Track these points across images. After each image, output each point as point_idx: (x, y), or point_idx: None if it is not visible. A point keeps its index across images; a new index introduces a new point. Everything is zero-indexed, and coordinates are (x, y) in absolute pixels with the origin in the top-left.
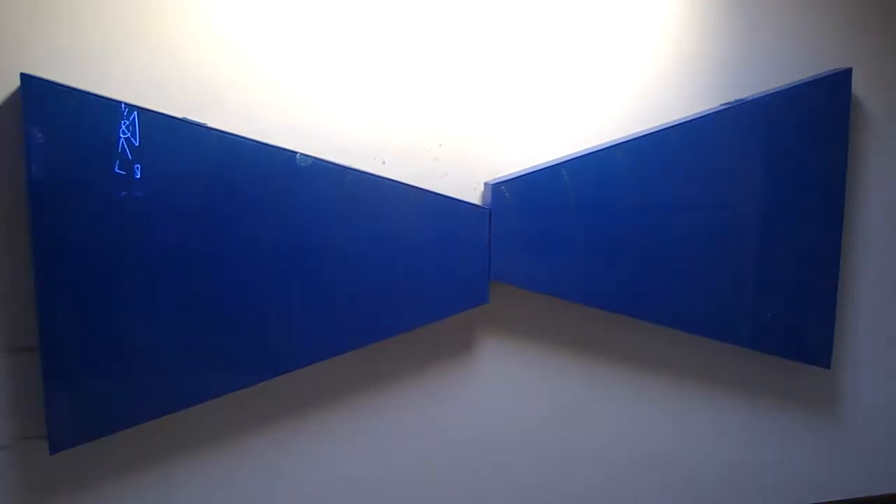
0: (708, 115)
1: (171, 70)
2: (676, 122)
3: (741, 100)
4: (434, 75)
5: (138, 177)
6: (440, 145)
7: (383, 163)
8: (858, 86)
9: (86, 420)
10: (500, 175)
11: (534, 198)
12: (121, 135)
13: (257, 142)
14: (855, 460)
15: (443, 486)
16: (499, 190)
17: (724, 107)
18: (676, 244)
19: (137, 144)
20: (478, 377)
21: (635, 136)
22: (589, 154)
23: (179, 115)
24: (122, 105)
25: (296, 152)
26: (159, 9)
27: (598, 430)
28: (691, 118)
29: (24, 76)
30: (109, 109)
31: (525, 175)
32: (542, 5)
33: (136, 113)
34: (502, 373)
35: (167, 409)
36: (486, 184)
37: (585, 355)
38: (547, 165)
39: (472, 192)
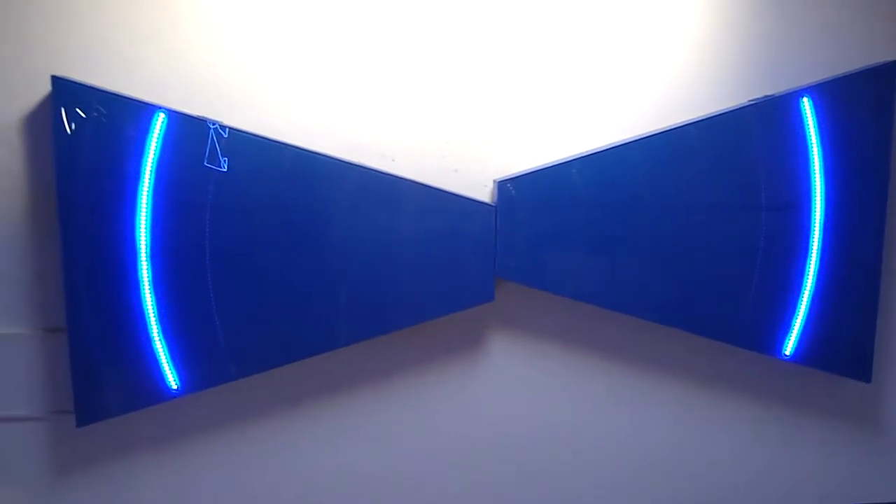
0: (733, 111)
1: (186, 72)
2: (698, 119)
3: (769, 96)
4: (446, 73)
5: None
6: (447, 142)
7: (392, 160)
8: None
9: (110, 396)
10: (512, 172)
11: (542, 196)
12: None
13: (267, 139)
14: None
15: (443, 484)
16: (505, 187)
17: (751, 102)
18: (695, 245)
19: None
20: (483, 375)
21: (653, 133)
22: (601, 151)
23: (196, 115)
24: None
25: (303, 149)
26: (176, 14)
27: (608, 430)
28: (714, 114)
29: (54, 78)
30: (135, 110)
31: (533, 172)
32: (556, 1)
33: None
34: (508, 371)
35: (187, 390)
36: (494, 181)
37: (594, 355)
38: (556, 163)
39: (483, 190)
